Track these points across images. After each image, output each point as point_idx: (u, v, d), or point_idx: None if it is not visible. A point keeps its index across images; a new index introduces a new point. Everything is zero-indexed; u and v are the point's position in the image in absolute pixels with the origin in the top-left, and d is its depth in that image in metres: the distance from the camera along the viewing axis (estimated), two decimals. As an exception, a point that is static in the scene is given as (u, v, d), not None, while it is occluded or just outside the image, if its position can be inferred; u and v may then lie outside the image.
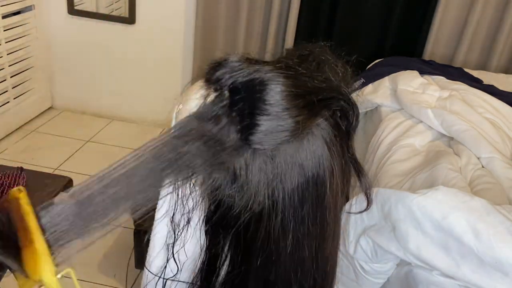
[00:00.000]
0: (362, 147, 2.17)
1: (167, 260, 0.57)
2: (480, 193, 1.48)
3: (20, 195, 0.43)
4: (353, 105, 0.50)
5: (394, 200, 1.28)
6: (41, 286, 0.40)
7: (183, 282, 0.58)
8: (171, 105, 0.55)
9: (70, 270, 0.40)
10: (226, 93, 0.46)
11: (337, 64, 0.52)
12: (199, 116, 0.47)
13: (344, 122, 0.50)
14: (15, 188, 0.43)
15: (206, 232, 0.53)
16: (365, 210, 0.58)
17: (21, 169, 1.33)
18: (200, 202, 0.52)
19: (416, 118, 2.01)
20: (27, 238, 0.40)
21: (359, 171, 0.54)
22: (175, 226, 0.55)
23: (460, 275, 1.17)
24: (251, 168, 0.46)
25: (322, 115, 0.48)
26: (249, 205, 0.48)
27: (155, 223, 0.60)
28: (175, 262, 0.57)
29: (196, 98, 0.48)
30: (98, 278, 1.98)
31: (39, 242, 0.40)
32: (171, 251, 0.56)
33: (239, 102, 0.45)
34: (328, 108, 0.48)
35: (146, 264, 0.63)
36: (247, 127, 0.45)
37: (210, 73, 0.47)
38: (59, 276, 0.39)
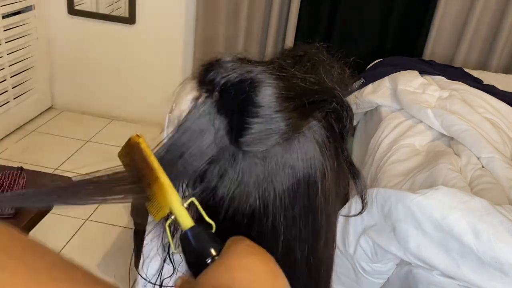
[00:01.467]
0: (362, 147, 2.17)
1: (164, 261, 0.56)
2: (480, 193, 1.47)
3: (140, 140, 0.47)
4: (346, 108, 0.49)
5: (394, 200, 1.27)
6: (170, 216, 0.44)
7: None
8: (169, 105, 0.55)
9: (193, 199, 0.45)
10: (217, 94, 0.45)
11: (333, 66, 0.51)
12: (190, 118, 0.46)
13: (338, 124, 0.49)
14: (133, 135, 0.48)
15: None
16: (360, 213, 0.58)
17: (21, 169, 1.33)
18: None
19: (416, 118, 2.01)
20: (153, 176, 0.45)
21: (355, 174, 0.54)
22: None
23: (460, 275, 1.17)
24: (242, 169, 0.46)
25: (313, 118, 0.47)
26: (240, 206, 0.47)
27: (149, 225, 0.60)
28: (172, 262, 0.56)
29: (188, 99, 0.48)
30: (98, 278, 1.98)
31: (163, 177, 0.45)
32: (167, 252, 0.56)
33: (229, 104, 0.45)
34: (320, 110, 0.48)
35: (140, 268, 0.62)
36: (236, 130, 0.45)
37: (203, 74, 0.47)
38: (185, 205, 0.44)
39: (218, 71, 0.46)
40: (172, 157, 0.47)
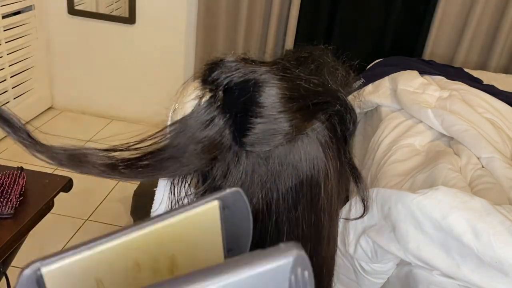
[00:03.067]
0: (362, 147, 2.17)
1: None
2: (480, 193, 1.47)
3: None
4: (350, 110, 0.49)
5: (394, 200, 1.27)
6: None
7: None
8: (170, 105, 0.55)
9: None
10: (221, 93, 0.46)
11: (337, 68, 0.51)
12: (194, 116, 0.46)
13: (341, 127, 0.49)
14: None
15: None
16: (361, 216, 0.58)
17: (21, 169, 1.33)
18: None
19: (416, 118, 2.01)
20: None
21: (357, 177, 0.54)
22: None
23: (460, 275, 1.17)
24: (245, 169, 0.46)
25: (317, 119, 0.47)
26: None
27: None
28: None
29: (192, 99, 0.48)
30: (98, 278, 1.98)
31: None
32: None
33: (233, 103, 0.45)
34: (324, 112, 0.48)
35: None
36: (240, 130, 0.45)
37: (206, 73, 0.47)
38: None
39: (222, 70, 0.46)
40: (175, 149, 0.46)
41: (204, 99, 0.47)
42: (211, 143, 0.45)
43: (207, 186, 0.48)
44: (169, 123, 0.57)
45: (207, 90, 0.47)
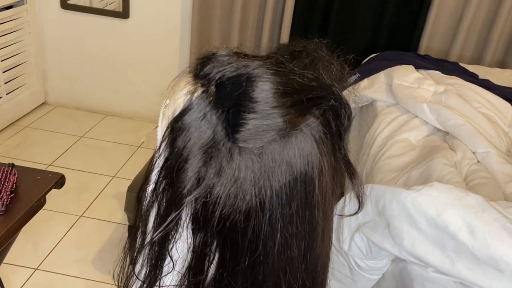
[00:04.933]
0: (357, 142, 2.17)
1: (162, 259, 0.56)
2: (475, 188, 1.47)
3: None
4: (345, 105, 0.49)
5: (389, 196, 1.27)
6: None
7: (172, 285, 0.57)
8: (162, 100, 0.54)
9: None
10: (213, 88, 0.45)
11: (332, 62, 0.50)
12: (186, 112, 0.46)
13: (336, 122, 0.49)
14: None
15: (193, 231, 0.52)
16: (356, 213, 0.57)
17: (12, 165, 1.31)
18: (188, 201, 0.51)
19: (411, 113, 2.01)
20: None
21: (352, 173, 0.53)
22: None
23: (455, 272, 1.17)
24: (238, 166, 0.45)
25: (311, 114, 0.46)
26: (236, 204, 0.46)
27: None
28: (171, 259, 0.55)
29: (184, 94, 0.47)
30: (93, 275, 1.97)
31: None
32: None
33: (225, 99, 0.44)
34: (318, 107, 0.47)
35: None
36: (233, 125, 0.44)
37: (198, 68, 0.46)
38: None
39: (214, 65, 0.45)
40: (177, 162, 0.46)
41: (196, 94, 0.46)
42: (206, 141, 0.45)
43: (201, 186, 0.47)
44: (160, 118, 0.56)
45: (199, 85, 0.46)
